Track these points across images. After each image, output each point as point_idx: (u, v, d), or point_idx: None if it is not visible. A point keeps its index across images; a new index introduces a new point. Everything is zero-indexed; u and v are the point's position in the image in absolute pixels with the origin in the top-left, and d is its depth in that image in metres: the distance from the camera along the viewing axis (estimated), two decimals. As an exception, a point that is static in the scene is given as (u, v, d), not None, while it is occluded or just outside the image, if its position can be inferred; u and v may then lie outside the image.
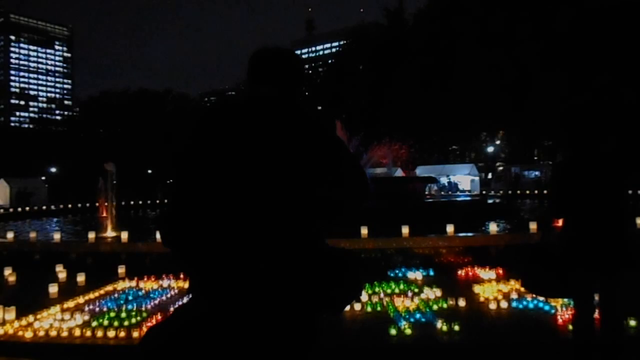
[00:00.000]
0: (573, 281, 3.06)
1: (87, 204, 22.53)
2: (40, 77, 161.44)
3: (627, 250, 3.01)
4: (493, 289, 5.51)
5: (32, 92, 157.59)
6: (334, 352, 3.83)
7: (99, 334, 4.32)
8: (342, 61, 50.27)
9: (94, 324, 4.65)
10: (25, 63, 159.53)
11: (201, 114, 1.64)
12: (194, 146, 1.56)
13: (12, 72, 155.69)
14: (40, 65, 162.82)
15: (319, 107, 44.43)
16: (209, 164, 1.50)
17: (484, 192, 30.34)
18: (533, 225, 7.30)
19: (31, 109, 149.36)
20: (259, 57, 1.76)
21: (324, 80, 54.57)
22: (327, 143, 1.56)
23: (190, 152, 1.56)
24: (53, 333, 4.40)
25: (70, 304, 5.50)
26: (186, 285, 6.12)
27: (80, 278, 6.79)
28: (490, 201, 19.86)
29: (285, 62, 1.76)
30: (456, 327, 4.15)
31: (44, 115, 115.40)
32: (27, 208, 22.65)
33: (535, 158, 46.93)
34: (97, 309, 5.26)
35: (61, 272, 7.09)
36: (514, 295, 5.13)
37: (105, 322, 4.69)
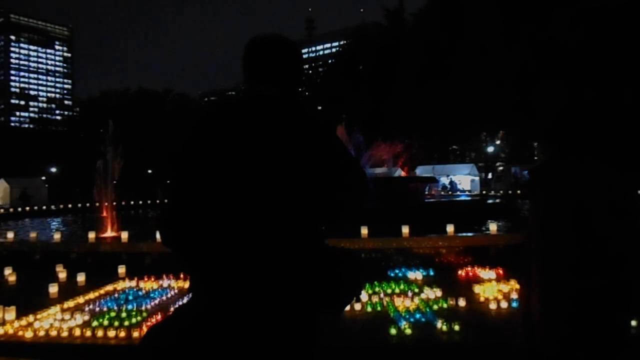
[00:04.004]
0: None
1: (87, 204, 22.55)
2: (40, 77, 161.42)
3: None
4: (493, 289, 5.51)
5: (32, 92, 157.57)
6: (334, 352, 3.83)
7: (99, 334, 4.32)
8: (342, 61, 50.26)
9: (94, 324, 4.65)
10: (25, 63, 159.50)
11: (200, 113, 1.64)
12: (194, 146, 1.56)
13: (12, 72, 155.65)
14: (40, 65, 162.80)
15: (319, 107, 44.44)
16: (209, 163, 1.50)
17: (484, 192, 30.36)
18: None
19: (31, 109, 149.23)
20: (254, 47, 1.69)
21: (324, 80, 54.55)
22: (327, 142, 1.55)
23: (190, 152, 1.56)
24: (53, 333, 4.41)
25: (71, 304, 5.50)
26: (186, 285, 6.13)
27: (80, 278, 6.79)
28: (490, 201, 19.87)
29: (282, 51, 1.69)
30: (456, 327, 4.15)
31: (44, 115, 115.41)
32: (27, 208, 22.65)
33: (535, 158, 46.93)
34: (97, 309, 5.26)
35: (61, 272, 7.09)
36: (514, 295, 5.13)
37: (106, 322, 4.69)
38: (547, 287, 1.95)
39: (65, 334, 4.40)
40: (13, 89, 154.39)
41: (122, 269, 7.03)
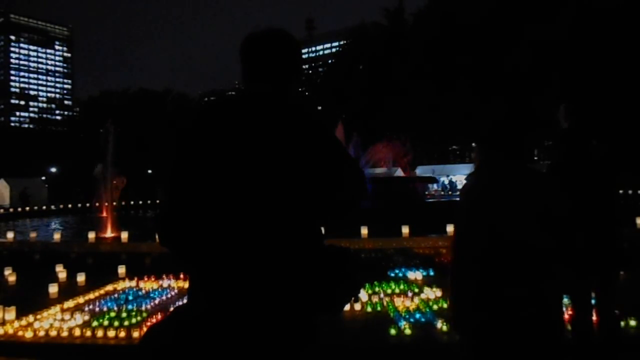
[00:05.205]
0: (570, 282, 3.06)
1: (87, 204, 22.52)
2: (40, 77, 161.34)
3: (623, 251, 3.01)
4: (493, 288, 5.50)
5: (32, 92, 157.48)
6: (334, 352, 3.83)
7: (99, 334, 4.32)
8: (342, 61, 50.27)
9: (94, 324, 4.66)
10: (25, 63, 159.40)
11: (196, 113, 1.64)
12: (187, 146, 1.56)
13: (12, 72, 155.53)
14: (40, 65, 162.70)
15: (319, 107, 44.44)
16: (205, 162, 1.50)
17: (484, 192, 30.27)
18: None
19: (31, 109, 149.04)
20: (248, 45, 1.69)
21: (323, 80, 54.57)
22: (323, 141, 1.54)
23: (184, 152, 1.56)
24: (53, 333, 4.41)
25: (71, 304, 5.50)
26: (186, 285, 6.13)
27: (80, 278, 6.79)
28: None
29: (275, 46, 1.68)
30: (456, 327, 4.15)
31: (44, 115, 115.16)
32: (27, 208, 22.64)
33: (535, 158, 46.91)
34: (97, 309, 5.27)
35: (61, 272, 7.10)
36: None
37: (106, 322, 4.69)
38: (457, 275, 2.26)
39: (65, 334, 4.40)
40: (13, 89, 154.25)
41: (122, 269, 7.03)
